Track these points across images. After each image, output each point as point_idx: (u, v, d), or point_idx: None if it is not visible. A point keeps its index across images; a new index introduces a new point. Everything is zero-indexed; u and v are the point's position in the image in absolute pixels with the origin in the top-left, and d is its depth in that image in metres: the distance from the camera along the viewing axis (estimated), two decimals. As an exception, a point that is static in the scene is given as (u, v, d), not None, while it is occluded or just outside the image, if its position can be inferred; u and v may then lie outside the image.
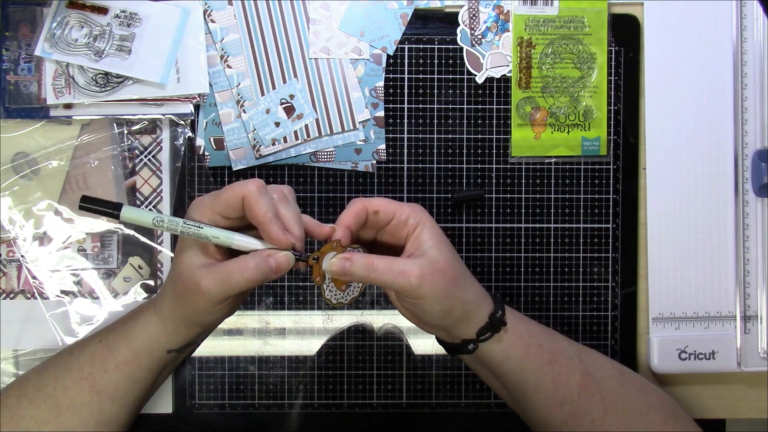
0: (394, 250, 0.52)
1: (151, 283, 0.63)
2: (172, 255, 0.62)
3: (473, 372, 0.63)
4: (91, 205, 0.44)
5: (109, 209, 0.44)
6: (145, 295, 0.63)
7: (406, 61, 0.64)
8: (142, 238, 0.62)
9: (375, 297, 0.64)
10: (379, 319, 0.64)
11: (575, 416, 0.53)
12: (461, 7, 0.63)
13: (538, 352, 0.53)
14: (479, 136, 0.64)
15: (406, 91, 0.64)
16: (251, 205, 0.47)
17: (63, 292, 0.62)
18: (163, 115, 0.62)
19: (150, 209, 0.44)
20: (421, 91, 0.64)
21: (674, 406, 0.56)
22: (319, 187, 0.64)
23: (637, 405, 0.54)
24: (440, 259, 0.50)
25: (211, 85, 0.62)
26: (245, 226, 0.49)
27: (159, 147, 0.63)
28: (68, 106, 0.61)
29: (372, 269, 0.49)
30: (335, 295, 0.53)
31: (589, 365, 0.54)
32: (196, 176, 0.63)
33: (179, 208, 0.63)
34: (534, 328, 0.54)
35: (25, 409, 0.53)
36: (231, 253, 0.49)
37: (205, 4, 0.62)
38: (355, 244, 0.51)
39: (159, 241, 0.63)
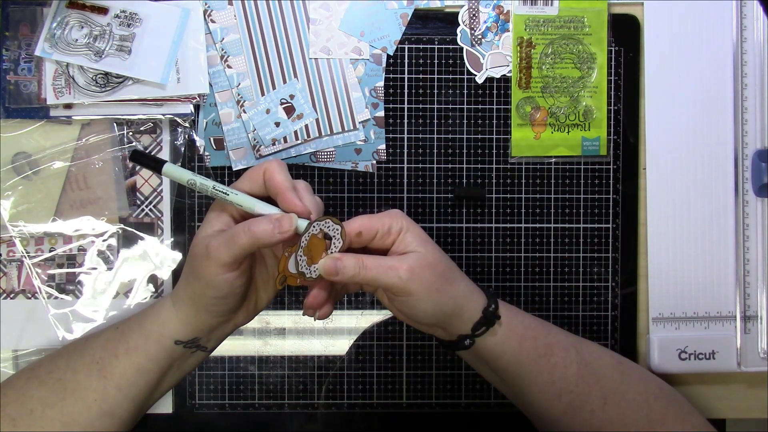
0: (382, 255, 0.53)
1: (152, 288, 0.63)
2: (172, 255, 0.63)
3: (473, 371, 0.63)
4: (139, 158, 0.51)
5: (153, 164, 0.51)
6: (152, 291, 0.63)
7: (406, 61, 0.64)
8: (143, 237, 0.62)
9: (375, 297, 0.64)
10: (379, 319, 0.64)
11: (574, 407, 0.53)
12: (461, 7, 0.63)
13: (533, 344, 0.54)
14: (479, 136, 0.64)
15: (406, 91, 0.64)
16: (272, 176, 0.49)
17: (63, 291, 0.62)
18: (163, 115, 0.62)
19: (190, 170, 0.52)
20: (421, 91, 0.64)
21: (674, 393, 0.56)
22: (319, 188, 0.64)
23: (637, 393, 0.54)
24: (427, 254, 0.51)
25: (211, 85, 0.62)
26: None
27: (159, 147, 0.63)
28: (68, 106, 0.61)
29: (362, 266, 0.49)
30: (305, 267, 0.50)
31: (586, 356, 0.54)
32: (196, 176, 0.63)
33: (179, 208, 0.63)
34: (529, 321, 0.55)
35: (33, 389, 0.53)
36: None
37: (205, 4, 0.62)
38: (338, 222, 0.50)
39: (160, 240, 0.63)
